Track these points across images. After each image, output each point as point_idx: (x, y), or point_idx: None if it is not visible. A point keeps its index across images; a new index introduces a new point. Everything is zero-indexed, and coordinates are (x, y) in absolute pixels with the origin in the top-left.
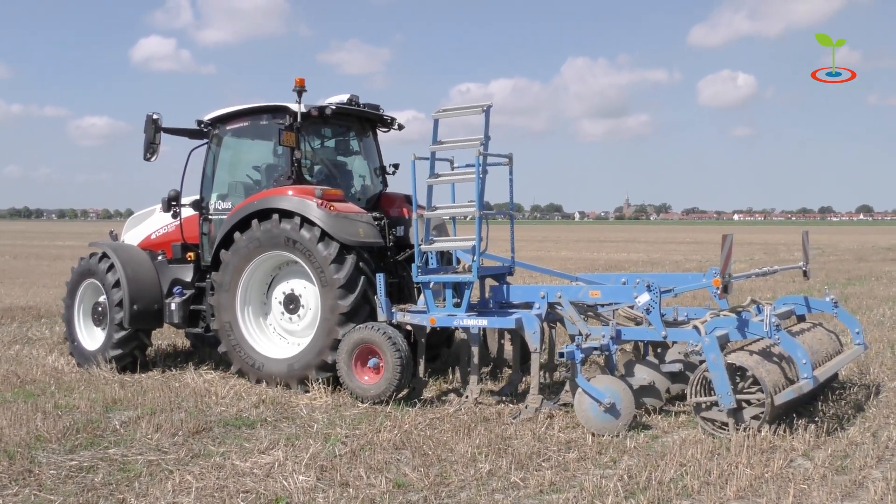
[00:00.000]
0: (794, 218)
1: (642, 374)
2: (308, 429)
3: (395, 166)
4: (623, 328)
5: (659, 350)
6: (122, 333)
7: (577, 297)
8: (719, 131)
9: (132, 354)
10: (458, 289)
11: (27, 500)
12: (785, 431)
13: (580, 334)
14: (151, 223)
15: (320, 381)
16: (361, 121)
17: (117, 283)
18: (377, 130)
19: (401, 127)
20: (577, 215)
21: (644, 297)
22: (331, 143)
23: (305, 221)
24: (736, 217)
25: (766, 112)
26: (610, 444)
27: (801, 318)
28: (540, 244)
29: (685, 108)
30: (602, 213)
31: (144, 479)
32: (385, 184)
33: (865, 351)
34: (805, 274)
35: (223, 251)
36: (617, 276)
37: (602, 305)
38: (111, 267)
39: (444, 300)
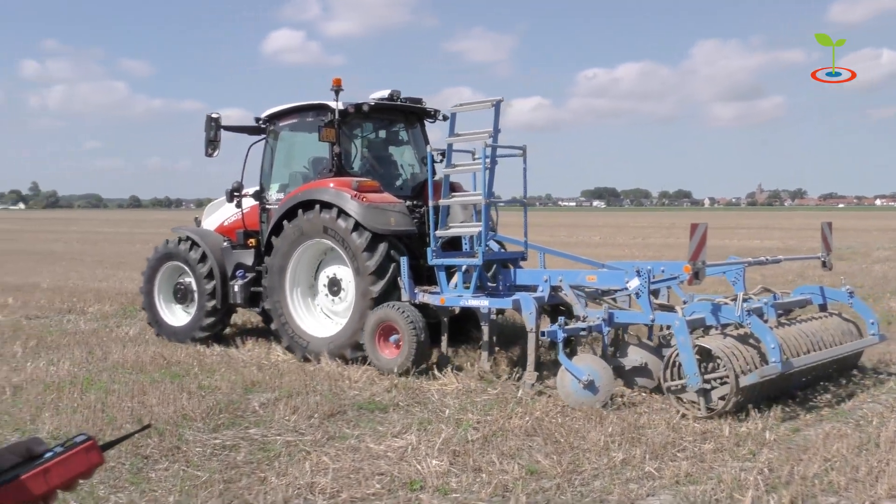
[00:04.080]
0: None
1: (635, 356)
2: (440, 414)
3: (443, 154)
4: (615, 311)
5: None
6: (213, 312)
7: (576, 281)
8: (860, 113)
9: (219, 330)
10: (469, 272)
11: (176, 475)
12: None
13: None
14: (224, 211)
15: (357, 358)
16: (407, 113)
17: (207, 267)
18: (424, 121)
19: (445, 118)
20: (706, 202)
21: (634, 282)
22: (374, 136)
23: (341, 212)
24: (878, 202)
25: None
26: (748, 435)
27: (823, 308)
28: (668, 231)
29: (823, 88)
30: (733, 200)
31: (283, 458)
32: (433, 172)
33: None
34: (824, 265)
35: (274, 237)
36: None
37: (614, 291)
38: (200, 251)
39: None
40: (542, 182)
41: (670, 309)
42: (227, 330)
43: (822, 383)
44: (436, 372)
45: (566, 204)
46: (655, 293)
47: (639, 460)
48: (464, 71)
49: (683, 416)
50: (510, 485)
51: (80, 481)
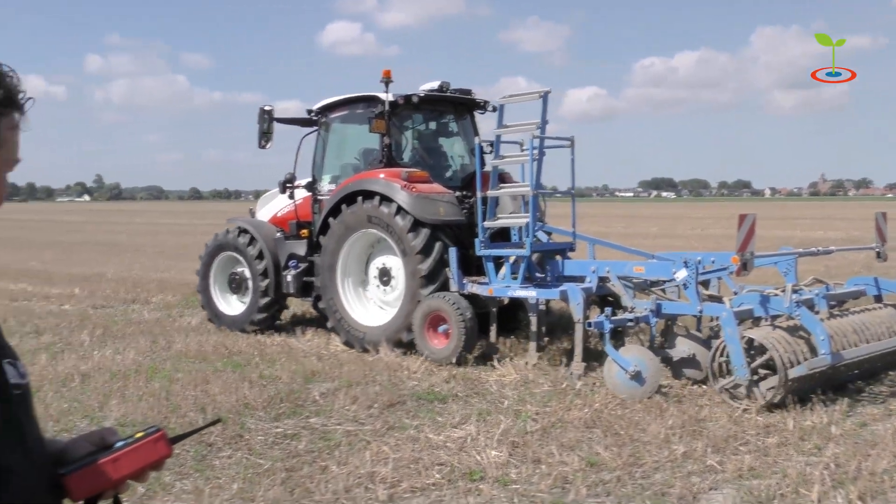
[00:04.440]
0: None
1: (684, 347)
2: (498, 405)
3: (491, 145)
4: (663, 302)
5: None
6: (267, 301)
7: (623, 272)
8: None
9: (273, 319)
10: (517, 263)
11: (239, 463)
12: None
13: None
14: (278, 202)
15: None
16: (457, 104)
17: (260, 256)
18: (474, 112)
19: (494, 109)
20: (767, 192)
21: (682, 273)
22: (423, 128)
23: (390, 202)
24: None
25: None
26: (813, 429)
27: (878, 299)
28: (728, 221)
29: (890, 75)
30: (795, 189)
31: (344, 448)
32: (482, 163)
33: None
34: (879, 255)
35: (326, 228)
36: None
37: (663, 282)
38: (253, 241)
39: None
40: (599, 172)
41: (718, 300)
42: (287, 320)
43: (888, 375)
44: (494, 363)
45: (623, 194)
46: (706, 284)
47: (700, 453)
48: (519, 61)
49: (745, 409)
50: (570, 477)
51: (151, 472)
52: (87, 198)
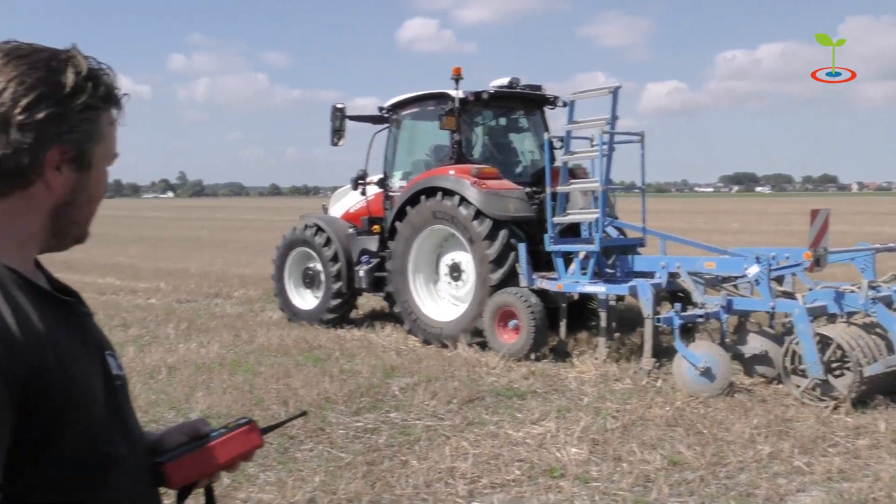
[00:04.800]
0: None
1: (756, 344)
2: (578, 401)
3: (561, 140)
4: (734, 298)
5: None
6: (339, 296)
7: (694, 267)
8: None
9: (344, 314)
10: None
11: (320, 456)
12: None
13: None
14: (350, 199)
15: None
16: (527, 100)
17: (333, 252)
18: (544, 108)
19: (564, 104)
20: (854, 186)
21: (753, 269)
22: (494, 124)
23: (461, 198)
24: None
25: None
26: None
27: None
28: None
29: None
30: (884, 184)
31: (424, 443)
32: (553, 159)
33: None
34: None
35: (397, 223)
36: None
37: (734, 277)
38: (326, 238)
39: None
40: (678, 168)
41: (791, 296)
42: (365, 314)
43: None
44: (573, 359)
45: (703, 190)
46: (780, 280)
47: (787, 454)
48: (597, 56)
49: (833, 410)
50: (652, 475)
51: (242, 463)
52: (170, 194)
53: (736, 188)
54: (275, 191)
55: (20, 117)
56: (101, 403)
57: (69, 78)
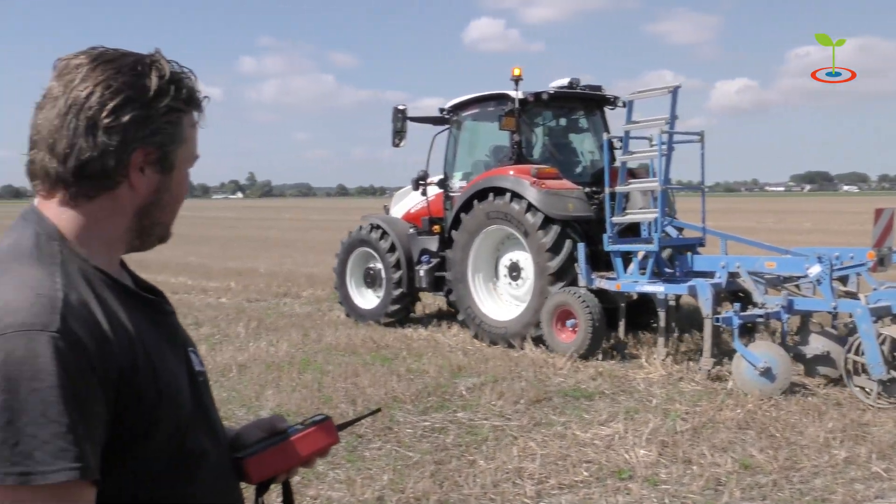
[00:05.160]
0: None
1: (817, 344)
2: (646, 403)
3: (621, 139)
4: (795, 298)
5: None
6: (399, 296)
7: (754, 267)
8: None
9: (405, 313)
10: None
11: (389, 454)
12: None
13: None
14: (411, 199)
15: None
16: (587, 101)
17: (393, 251)
18: (604, 108)
19: (624, 104)
20: None
21: (815, 269)
22: (553, 124)
23: (520, 199)
24: None
25: None
26: None
27: None
28: None
29: None
30: None
31: (491, 443)
32: (612, 159)
33: None
34: None
35: (458, 223)
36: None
37: (796, 277)
38: (387, 238)
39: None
40: (748, 167)
41: (854, 297)
42: (433, 313)
43: None
44: (642, 360)
45: (774, 189)
46: (843, 280)
47: (864, 459)
48: (665, 54)
49: None
50: (723, 479)
51: (318, 459)
52: (239, 195)
53: (808, 187)
54: (342, 191)
55: (107, 120)
56: (188, 400)
57: (153, 81)
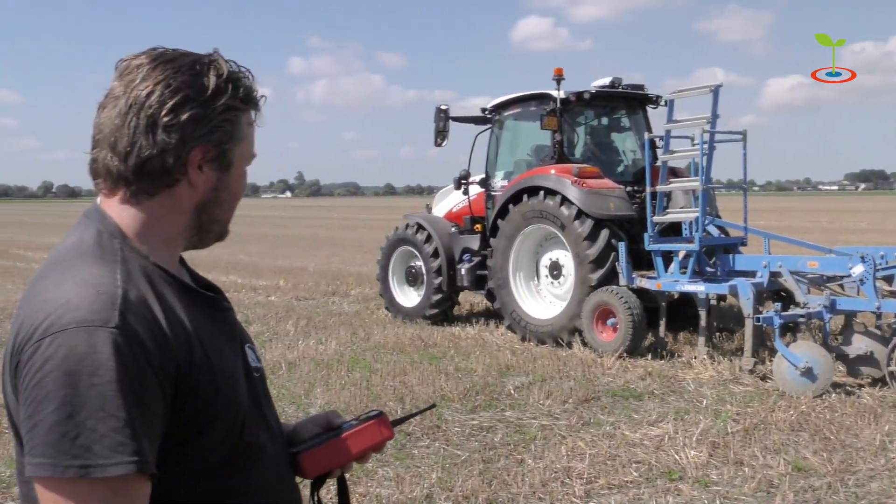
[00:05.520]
0: None
1: (860, 344)
2: (696, 403)
3: (662, 139)
4: (838, 298)
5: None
6: (440, 294)
7: (796, 266)
8: None
9: (445, 311)
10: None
11: (437, 452)
12: None
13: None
14: (453, 198)
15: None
16: (629, 100)
17: (434, 251)
18: (647, 108)
19: (666, 103)
20: None
21: (858, 269)
22: (595, 124)
23: (562, 198)
24: None
25: None
26: None
27: None
28: None
29: None
30: None
31: (539, 442)
32: (655, 158)
33: None
34: None
35: (500, 222)
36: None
37: (840, 277)
38: (428, 237)
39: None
40: (801, 166)
41: None
42: (480, 314)
43: None
44: (691, 361)
45: (827, 188)
46: (889, 280)
47: None
48: (716, 51)
49: None
50: (775, 481)
51: (373, 454)
52: (288, 194)
53: (862, 186)
54: (389, 190)
55: (166, 118)
56: (245, 395)
57: (211, 80)
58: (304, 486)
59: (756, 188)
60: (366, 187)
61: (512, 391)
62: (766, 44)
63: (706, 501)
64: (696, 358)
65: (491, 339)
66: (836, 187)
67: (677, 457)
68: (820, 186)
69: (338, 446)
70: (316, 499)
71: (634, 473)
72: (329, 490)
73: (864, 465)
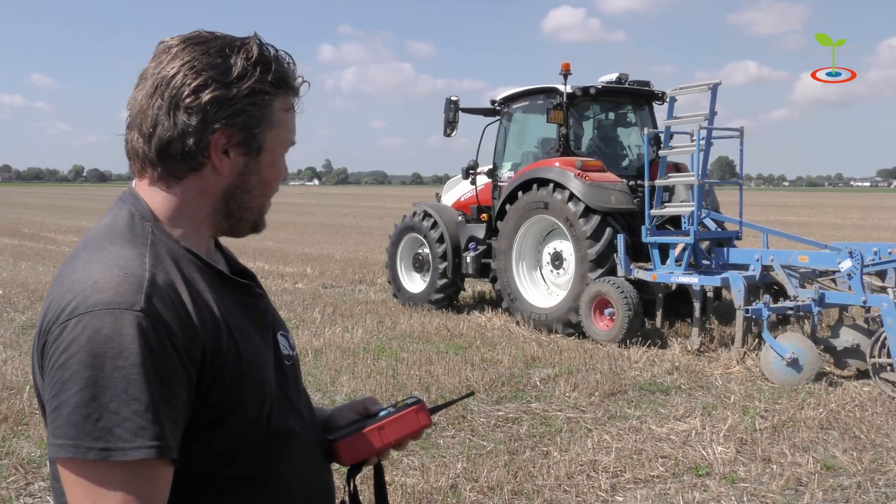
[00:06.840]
0: None
1: (847, 337)
2: (724, 399)
3: (662, 134)
4: (826, 292)
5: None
6: (444, 281)
7: (787, 261)
8: None
9: (450, 297)
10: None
11: (463, 443)
12: None
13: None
14: (461, 188)
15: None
16: (635, 95)
17: (440, 239)
18: (653, 104)
19: (672, 100)
20: None
21: (846, 264)
22: (602, 118)
23: (564, 190)
24: None
25: None
26: None
27: None
28: None
29: None
30: None
31: (565, 434)
32: (656, 154)
33: None
34: None
35: (508, 207)
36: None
37: (831, 272)
38: (434, 223)
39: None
40: (832, 161)
41: (885, 292)
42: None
43: None
44: (720, 355)
45: (859, 184)
46: (881, 275)
47: None
48: (749, 44)
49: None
50: (804, 479)
51: (410, 442)
52: (316, 182)
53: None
54: (416, 179)
55: (188, 100)
56: (273, 382)
57: (238, 63)
58: (341, 474)
59: (786, 183)
60: (393, 176)
61: (538, 383)
62: (801, 37)
63: (733, 498)
64: (689, 349)
65: (517, 331)
66: (868, 183)
67: (704, 452)
68: (852, 182)
69: (374, 434)
70: (352, 486)
71: (661, 468)
72: (363, 477)
73: (894, 466)
